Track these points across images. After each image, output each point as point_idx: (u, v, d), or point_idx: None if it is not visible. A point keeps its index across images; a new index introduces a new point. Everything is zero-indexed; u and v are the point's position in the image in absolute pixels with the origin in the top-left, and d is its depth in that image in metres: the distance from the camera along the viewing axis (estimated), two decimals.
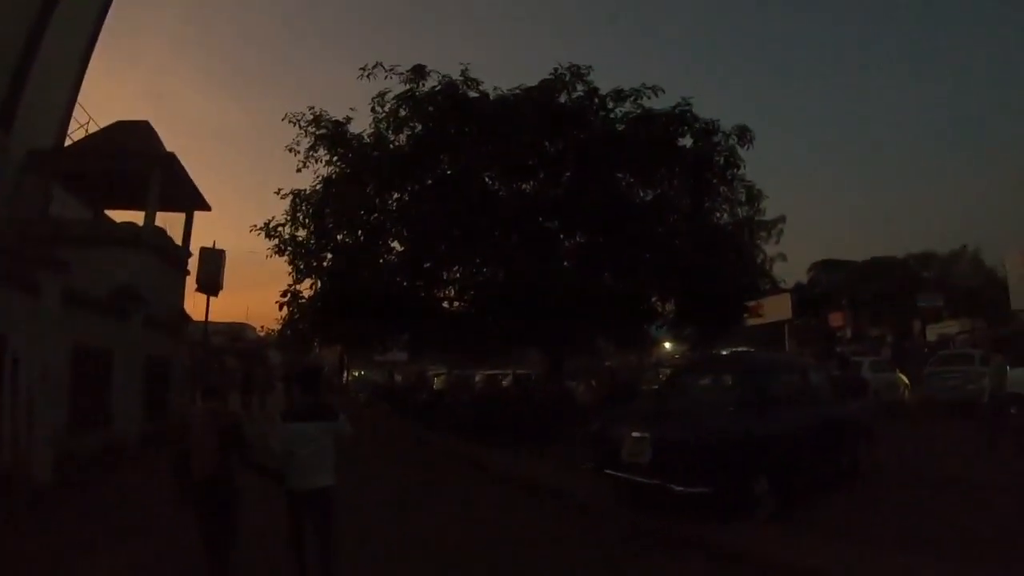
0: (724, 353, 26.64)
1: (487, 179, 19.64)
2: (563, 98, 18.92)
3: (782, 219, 28.57)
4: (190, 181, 18.09)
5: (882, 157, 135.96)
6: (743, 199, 21.14)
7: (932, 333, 49.02)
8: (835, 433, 10.78)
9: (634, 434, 9.09)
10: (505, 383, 35.12)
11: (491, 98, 19.00)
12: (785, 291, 44.45)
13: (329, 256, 20.61)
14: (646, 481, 8.72)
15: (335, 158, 20.41)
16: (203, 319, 22.69)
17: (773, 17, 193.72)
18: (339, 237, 20.34)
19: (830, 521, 8.53)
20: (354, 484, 10.92)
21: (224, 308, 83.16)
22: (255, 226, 20.40)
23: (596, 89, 18.88)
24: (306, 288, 20.73)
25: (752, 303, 24.35)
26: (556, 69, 18.70)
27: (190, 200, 19.35)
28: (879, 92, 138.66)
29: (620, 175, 19.83)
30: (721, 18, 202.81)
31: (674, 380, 11.81)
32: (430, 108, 18.64)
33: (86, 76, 22.65)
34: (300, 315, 21.64)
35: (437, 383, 36.83)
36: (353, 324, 20.55)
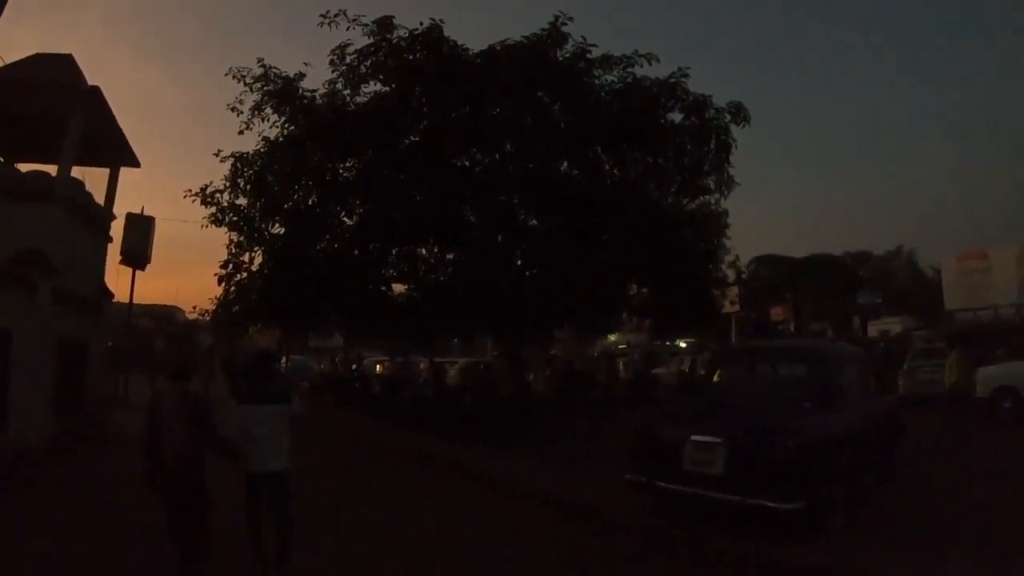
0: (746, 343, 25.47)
1: (457, 149, 17.31)
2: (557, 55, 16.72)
3: (726, 212, 27.04)
4: (116, 127, 14.84)
5: (814, 156, 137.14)
6: (711, 186, 19.33)
7: (873, 329, 49.26)
8: (886, 430, 9.41)
9: (696, 438, 7.18)
10: (453, 372, 33.12)
11: (471, 52, 16.68)
12: (732, 284, 43.75)
13: (278, 224, 18.17)
14: (721, 497, 6.81)
15: (283, 119, 17.92)
16: (127, 297, 19.85)
17: (719, 10, 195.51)
18: (285, 205, 17.89)
19: (900, 529, 7.24)
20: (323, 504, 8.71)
21: (151, 290, 78.20)
22: (190, 191, 17.76)
23: (588, 51, 16.66)
24: (246, 262, 18.33)
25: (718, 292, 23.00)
26: (557, 18, 16.12)
27: (115, 152, 16.08)
28: (819, 88, 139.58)
29: (597, 150, 17.81)
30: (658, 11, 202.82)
31: (715, 371, 9.70)
32: (409, 57, 16.24)
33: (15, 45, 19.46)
34: (237, 294, 19.24)
35: (380, 371, 34.39)
36: (297, 303, 18.19)
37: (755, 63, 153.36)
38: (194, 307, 21.60)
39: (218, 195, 17.86)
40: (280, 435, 6.19)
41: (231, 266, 17.89)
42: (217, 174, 43.26)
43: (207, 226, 17.92)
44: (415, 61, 16.13)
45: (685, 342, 49.84)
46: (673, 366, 33.37)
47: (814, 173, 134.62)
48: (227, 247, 18.15)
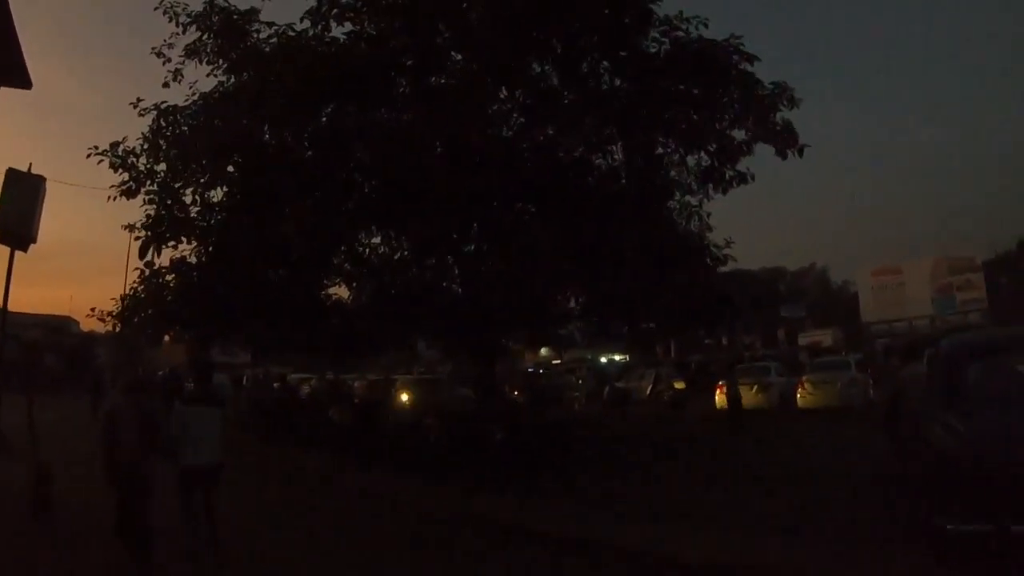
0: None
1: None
2: None
3: (708, 215, 23.93)
4: (6, 11, 9.53)
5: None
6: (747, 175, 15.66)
7: (803, 340, 48.54)
8: None
9: None
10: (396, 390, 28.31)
11: None
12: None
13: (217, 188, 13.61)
14: None
15: (225, 66, 13.37)
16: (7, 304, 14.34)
17: None
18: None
19: None
20: None
21: (40, 300, 68.91)
22: (95, 148, 12.85)
23: None
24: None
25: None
26: None
27: None
28: None
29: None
30: None
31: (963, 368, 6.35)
32: None
33: None
34: (147, 295, 14.67)
35: (307, 389, 29.17)
36: (235, 299, 13.88)
37: None
38: (93, 309, 16.63)
39: (133, 158, 13.07)
40: (214, 433, 6.91)
41: (164, 219, 13.15)
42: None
43: (116, 198, 13.09)
44: None
45: (620, 356, 46.90)
46: (632, 380, 29.73)
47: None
48: (141, 226, 13.41)
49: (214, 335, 21.47)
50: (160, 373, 29.18)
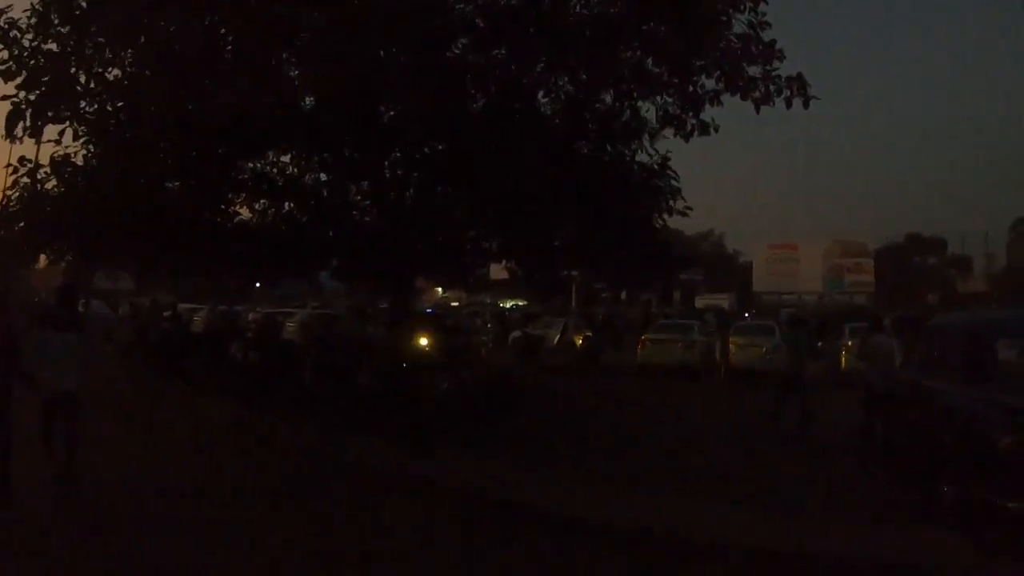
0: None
1: None
2: None
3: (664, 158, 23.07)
4: None
5: None
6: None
7: (700, 303, 50.01)
8: None
9: None
10: (291, 324, 26.33)
11: None
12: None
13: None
14: None
15: None
16: None
17: None
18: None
19: None
20: None
21: None
22: None
23: None
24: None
25: None
26: None
27: None
28: None
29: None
30: None
31: None
32: None
33: None
34: (20, 205, 12.51)
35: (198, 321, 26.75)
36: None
37: None
38: None
39: (16, 32, 10.86)
40: (73, 360, 6.74)
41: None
42: None
43: None
44: None
45: (522, 302, 46.05)
46: (538, 328, 29.14)
47: None
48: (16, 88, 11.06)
49: (100, 256, 19.10)
50: (36, 300, 26.36)
